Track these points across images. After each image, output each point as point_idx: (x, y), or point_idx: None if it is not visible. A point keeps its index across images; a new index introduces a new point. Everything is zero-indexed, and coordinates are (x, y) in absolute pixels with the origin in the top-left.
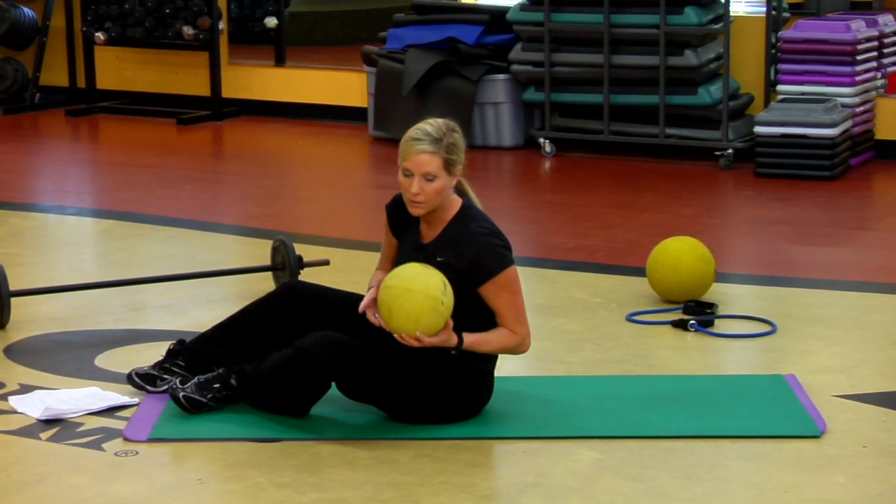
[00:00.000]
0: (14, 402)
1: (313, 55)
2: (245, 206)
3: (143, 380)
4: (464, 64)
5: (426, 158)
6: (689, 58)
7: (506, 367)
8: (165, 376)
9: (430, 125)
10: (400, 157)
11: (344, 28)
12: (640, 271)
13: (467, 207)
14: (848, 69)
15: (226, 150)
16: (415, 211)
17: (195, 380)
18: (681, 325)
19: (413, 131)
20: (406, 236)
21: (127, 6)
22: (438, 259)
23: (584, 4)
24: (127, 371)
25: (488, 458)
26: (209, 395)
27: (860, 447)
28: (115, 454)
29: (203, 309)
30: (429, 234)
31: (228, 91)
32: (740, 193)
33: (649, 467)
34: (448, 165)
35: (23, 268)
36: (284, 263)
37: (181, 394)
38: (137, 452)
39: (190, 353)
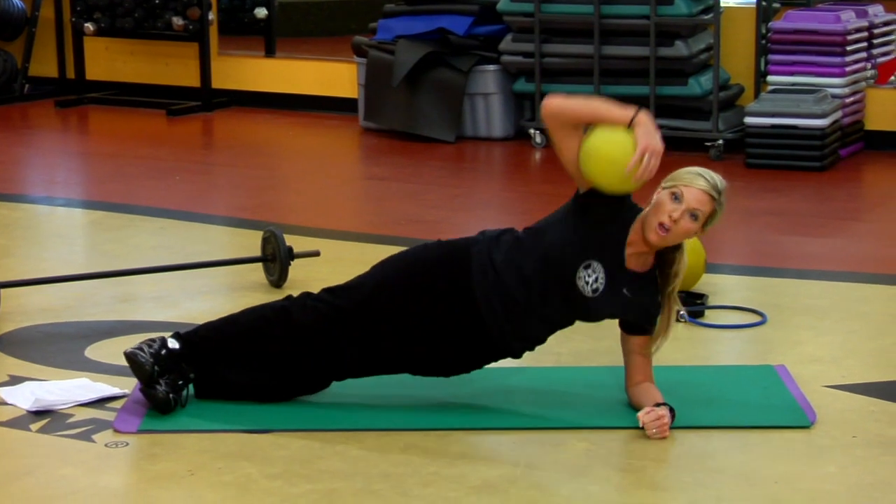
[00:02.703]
0: (3, 393)
1: (303, 46)
2: (235, 197)
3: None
4: (454, 55)
5: (704, 198)
6: (680, 48)
7: None
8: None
9: (717, 177)
10: (673, 180)
11: (334, 19)
12: None
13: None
14: (838, 60)
15: (216, 140)
16: (654, 236)
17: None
18: None
19: (699, 169)
20: (604, 225)
21: None
22: (624, 291)
23: None
24: (116, 362)
25: (479, 450)
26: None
27: (850, 437)
28: (106, 445)
29: (193, 300)
30: (631, 262)
31: (218, 82)
32: (730, 184)
33: (639, 458)
34: (708, 220)
35: (12, 259)
36: (275, 254)
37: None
38: (128, 444)
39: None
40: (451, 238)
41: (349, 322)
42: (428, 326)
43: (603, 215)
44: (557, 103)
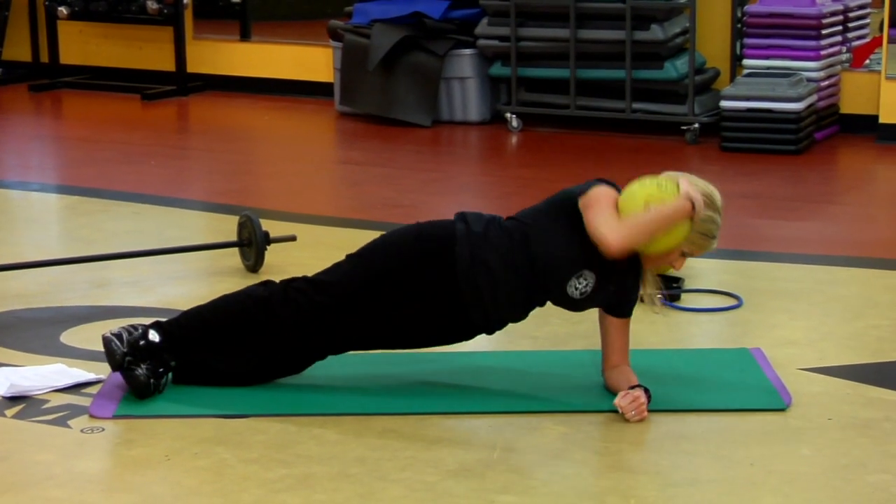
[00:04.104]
0: None
1: (279, 30)
2: (211, 182)
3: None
4: (430, 38)
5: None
6: (656, 32)
7: (473, 341)
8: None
9: (720, 219)
10: (692, 245)
11: (309, 2)
12: None
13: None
14: (813, 43)
15: (191, 125)
16: (650, 265)
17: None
18: None
19: (714, 226)
20: None
21: None
22: (611, 287)
23: None
24: (92, 348)
25: (455, 433)
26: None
27: (825, 420)
28: (82, 431)
29: (169, 285)
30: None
31: (193, 66)
32: (706, 168)
33: (615, 441)
34: None
35: None
36: (251, 239)
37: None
38: (103, 429)
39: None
40: (429, 222)
41: (330, 317)
42: (408, 317)
43: None
44: (625, 239)
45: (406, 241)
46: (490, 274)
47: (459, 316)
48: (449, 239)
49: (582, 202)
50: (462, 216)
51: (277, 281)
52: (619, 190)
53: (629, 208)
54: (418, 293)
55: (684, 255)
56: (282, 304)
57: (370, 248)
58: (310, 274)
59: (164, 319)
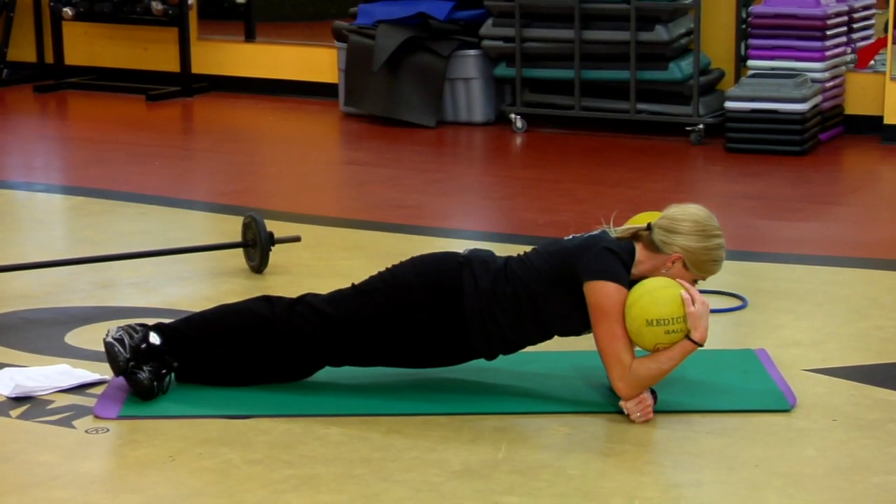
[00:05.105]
0: None
1: (283, 31)
2: (215, 183)
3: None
4: (434, 39)
5: None
6: (660, 33)
7: None
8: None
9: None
10: (705, 273)
11: (314, 3)
12: None
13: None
14: (818, 44)
15: (196, 126)
16: None
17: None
18: None
19: (722, 250)
20: None
21: None
22: None
23: None
24: (96, 348)
25: (460, 434)
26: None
27: (829, 421)
28: (86, 431)
29: (173, 286)
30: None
31: (198, 67)
32: (711, 168)
33: (619, 442)
34: None
35: None
36: (255, 240)
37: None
38: (108, 430)
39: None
40: (435, 263)
41: (332, 348)
42: (412, 351)
43: None
44: (636, 391)
45: (413, 290)
46: (501, 331)
47: (464, 353)
48: (457, 292)
49: (590, 305)
50: (468, 263)
51: (277, 297)
52: (619, 253)
53: (637, 341)
54: (424, 336)
55: (696, 281)
56: (285, 330)
57: (376, 288)
58: (313, 273)
59: (164, 322)
